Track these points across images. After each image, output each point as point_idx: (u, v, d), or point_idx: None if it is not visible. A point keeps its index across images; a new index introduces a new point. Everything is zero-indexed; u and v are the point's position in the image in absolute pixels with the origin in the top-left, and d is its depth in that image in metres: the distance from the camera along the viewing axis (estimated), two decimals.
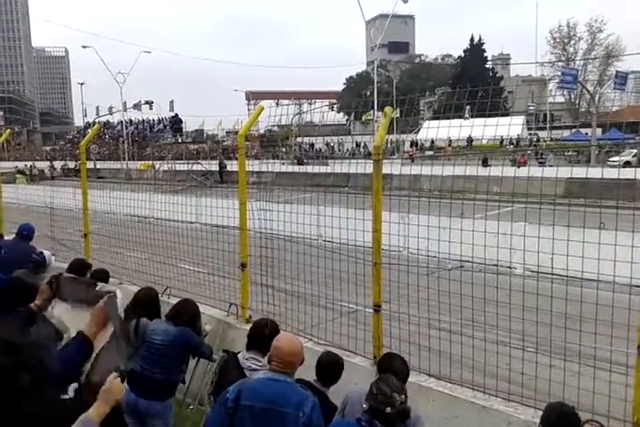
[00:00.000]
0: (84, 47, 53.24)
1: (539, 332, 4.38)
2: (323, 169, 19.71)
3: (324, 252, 5.60)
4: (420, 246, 4.96)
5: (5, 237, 7.97)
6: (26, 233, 7.07)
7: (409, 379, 3.65)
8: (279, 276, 6.05)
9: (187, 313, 4.54)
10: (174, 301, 5.26)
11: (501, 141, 36.04)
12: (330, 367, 3.73)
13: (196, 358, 4.82)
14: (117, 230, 8.43)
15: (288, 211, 5.79)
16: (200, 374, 5.22)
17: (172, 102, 71.20)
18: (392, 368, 3.45)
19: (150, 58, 59.45)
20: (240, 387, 3.07)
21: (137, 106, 59.14)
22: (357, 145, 53.46)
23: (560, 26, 73.64)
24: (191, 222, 8.11)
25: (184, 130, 74.23)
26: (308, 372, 3.84)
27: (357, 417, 2.89)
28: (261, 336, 3.84)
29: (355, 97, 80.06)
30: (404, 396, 2.76)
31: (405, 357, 3.80)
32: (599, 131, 35.14)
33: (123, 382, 2.32)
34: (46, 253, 5.76)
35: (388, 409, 2.70)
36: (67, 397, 2.67)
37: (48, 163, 47.92)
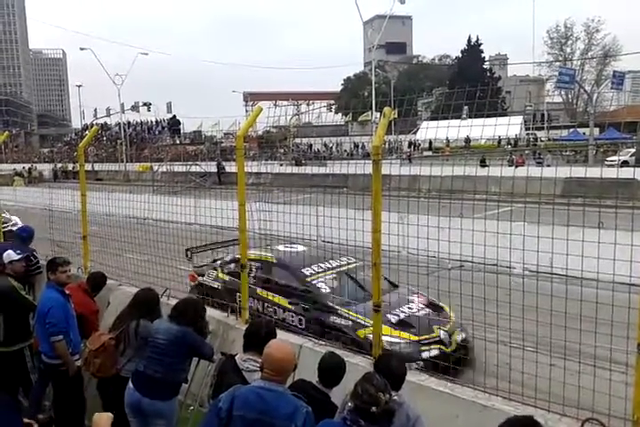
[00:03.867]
0: (81, 49, 53.27)
1: (538, 331, 4.39)
2: (322, 170, 19.73)
3: (323, 252, 5.61)
4: (419, 246, 4.97)
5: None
6: (25, 235, 7.06)
7: (408, 378, 3.65)
8: None
9: (190, 312, 4.51)
10: (174, 302, 5.24)
11: (499, 141, 36.08)
12: (332, 369, 3.68)
13: (197, 359, 4.81)
14: (116, 232, 8.43)
15: (287, 212, 5.79)
16: (200, 375, 5.22)
17: (169, 104, 71.07)
18: (389, 368, 3.44)
19: (147, 59, 59.09)
20: (233, 396, 3.01)
21: (135, 108, 59.04)
22: (356, 146, 53.46)
23: (557, 26, 73.98)
24: (190, 224, 8.10)
25: (182, 131, 74.08)
26: (309, 372, 3.84)
27: (343, 416, 2.87)
28: (258, 337, 3.76)
29: (352, 98, 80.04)
30: (388, 395, 2.76)
31: None
32: (597, 130, 35.20)
33: None
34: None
35: (374, 409, 2.70)
36: None
37: (47, 165, 47.83)
